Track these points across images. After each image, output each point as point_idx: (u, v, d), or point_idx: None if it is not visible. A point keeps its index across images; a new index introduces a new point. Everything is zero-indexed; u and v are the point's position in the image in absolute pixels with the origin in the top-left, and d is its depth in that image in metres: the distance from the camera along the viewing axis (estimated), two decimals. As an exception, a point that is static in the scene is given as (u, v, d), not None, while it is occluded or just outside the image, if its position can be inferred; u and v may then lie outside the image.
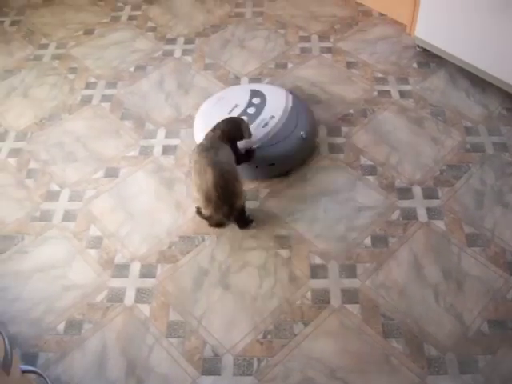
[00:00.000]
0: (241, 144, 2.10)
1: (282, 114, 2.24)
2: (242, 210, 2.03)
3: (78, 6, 3.16)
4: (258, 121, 2.22)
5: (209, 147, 1.97)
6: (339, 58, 2.71)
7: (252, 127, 2.17)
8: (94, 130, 2.44)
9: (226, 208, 1.93)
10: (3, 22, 3.10)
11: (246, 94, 2.34)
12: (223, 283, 1.93)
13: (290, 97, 2.33)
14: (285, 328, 1.82)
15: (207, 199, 1.92)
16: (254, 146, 2.14)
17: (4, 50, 2.91)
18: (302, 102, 2.37)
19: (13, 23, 3.08)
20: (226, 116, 2.16)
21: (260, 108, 2.27)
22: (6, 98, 2.64)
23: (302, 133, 2.20)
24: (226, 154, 1.98)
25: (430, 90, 2.52)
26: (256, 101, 2.30)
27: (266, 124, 2.21)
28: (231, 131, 2.06)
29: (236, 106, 2.29)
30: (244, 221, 2.06)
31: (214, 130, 2.06)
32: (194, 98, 2.54)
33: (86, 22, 3.04)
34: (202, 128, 2.24)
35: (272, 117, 2.23)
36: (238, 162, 2.06)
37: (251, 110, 2.26)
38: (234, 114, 2.23)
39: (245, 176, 2.13)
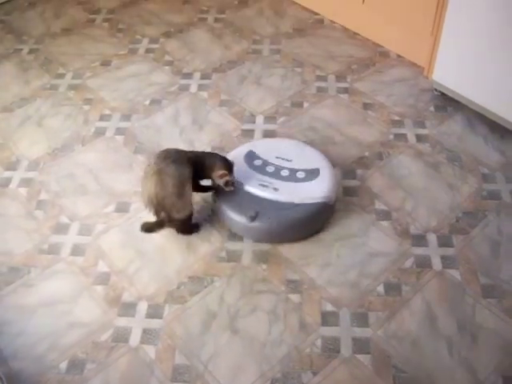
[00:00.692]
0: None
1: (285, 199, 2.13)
2: (184, 221, 2.07)
3: (97, 37, 3.17)
4: (267, 179, 2.17)
5: (167, 157, 2.00)
6: (356, 98, 2.69)
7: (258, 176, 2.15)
8: (106, 162, 2.43)
9: (165, 216, 2.00)
10: (21, 49, 3.11)
11: (309, 163, 2.23)
12: (232, 327, 1.89)
13: (318, 201, 2.15)
14: (293, 377, 1.77)
15: (148, 203, 2.01)
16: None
17: (21, 78, 2.91)
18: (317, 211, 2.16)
19: (31, 51, 3.09)
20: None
21: (287, 178, 2.18)
22: (20, 127, 2.63)
23: (251, 212, 2.08)
24: (179, 171, 1.98)
25: (446, 135, 2.50)
26: (300, 174, 2.18)
27: (263, 186, 2.16)
28: (202, 167, 2.07)
29: (290, 160, 2.23)
30: (185, 229, 2.13)
31: (191, 152, 2.12)
32: (209, 134, 2.52)
33: (103, 53, 3.04)
34: None
35: (275, 189, 2.16)
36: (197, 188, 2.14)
37: (284, 173, 2.19)
38: (277, 162, 2.22)
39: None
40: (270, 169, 2.17)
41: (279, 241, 2.11)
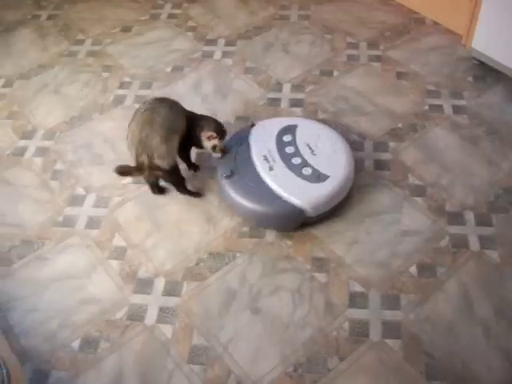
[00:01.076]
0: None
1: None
2: (169, 173, 1.96)
3: (117, 2, 3.04)
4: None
5: (164, 101, 1.96)
6: (388, 67, 2.53)
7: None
8: (123, 132, 2.28)
9: (145, 160, 1.89)
10: (40, 15, 3.01)
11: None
12: (253, 307, 1.78)
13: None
14: (318, 362, 1.65)
15: (130, 143, 1.91)
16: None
17: (39, 45, 2.81)
18: None
19: (49, 17, 2.98)
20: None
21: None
22: (36, 94, 2.53)
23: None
24: (173, 116, 1.93)
25: (485, 107, 2.34)
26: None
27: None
28: (194, 126, 1.99)
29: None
30: (176, 183, 2.04)
31: (188, 110, 2.03)
32: (232, 103, 2.39)
33: (123, 19, 2.92)
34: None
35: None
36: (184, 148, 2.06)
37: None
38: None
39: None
40: (290, 150, 2.02)
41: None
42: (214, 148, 1.99)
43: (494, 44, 2.36)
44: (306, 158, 2.00)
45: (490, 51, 2.40)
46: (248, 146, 2.04)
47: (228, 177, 1.96)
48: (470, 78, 2.46)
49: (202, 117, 2.05)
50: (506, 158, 2.14)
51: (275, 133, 2.07)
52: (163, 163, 1.92)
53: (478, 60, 2.48)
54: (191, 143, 2.05)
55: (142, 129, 1.88)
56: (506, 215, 1.97)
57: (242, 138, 2.07)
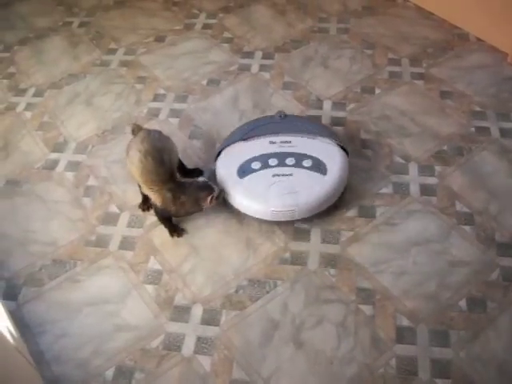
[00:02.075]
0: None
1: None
2: (159, 211, 1.93)
3: (150, 11, 2.97)
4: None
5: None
6: (432, 86, 2.44)
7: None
8: (159, 148, 2.24)
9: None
10: (72, 22, 2.94)
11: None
12: (296, 340, 1.69)
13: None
14: (365, 401, 1.57)
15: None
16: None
17: (70, 53, 2.74)
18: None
19: (81, 25, 2.92)
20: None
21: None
22: (68, 105, 2.46)
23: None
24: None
25: (534, 130, 2.24)
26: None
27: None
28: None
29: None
30: (163, 220, 1.97)
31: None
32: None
33: (157, 28, 2.85)
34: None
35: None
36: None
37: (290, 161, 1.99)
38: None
39: None
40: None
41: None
42: (216, 198, 1.88)
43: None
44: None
45: (538, 71, 2.31)
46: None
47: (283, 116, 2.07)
48: (517, 100, 2.37)
49: (198, 187, 1.89)
50: (558, 186, 2.05)
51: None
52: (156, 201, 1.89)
53: (525, 80, 2.39)
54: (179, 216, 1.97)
55: (133, 141, 1.89)
56: (559, 248, 1.88)
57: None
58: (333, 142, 2.02)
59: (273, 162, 1.96)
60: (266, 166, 1.95)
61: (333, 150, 2.01)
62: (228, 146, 2.04)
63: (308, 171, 1.93)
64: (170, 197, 1.84)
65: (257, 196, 1.90)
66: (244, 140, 2.04)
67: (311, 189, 1.90)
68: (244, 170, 1.95)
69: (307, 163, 1.95)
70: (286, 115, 2.10)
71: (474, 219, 1.96)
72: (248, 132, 2.05)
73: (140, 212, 2.03)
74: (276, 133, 2.04)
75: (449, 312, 1.74)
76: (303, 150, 1.99)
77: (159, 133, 1.91)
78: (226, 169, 1.98)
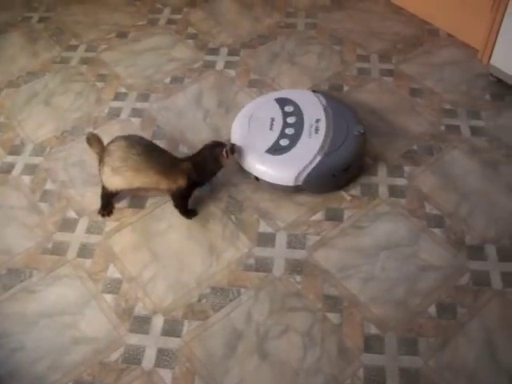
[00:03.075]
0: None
1: (326, 115, 2.05)
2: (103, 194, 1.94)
3: (113, 5, 2.88)
4: (306, 129, 2.01)
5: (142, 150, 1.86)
6: (402, 83, 2.39)
7: (304, 137, 1.99)
8: (120, 149, 2.15)
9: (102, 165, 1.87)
10: (31, 17, 2.83)
11: (274, 105, 2.12)
12: (260, 350, 1.63)
13: (319, 95, 2.13)
14: (332, 415, 1.51)
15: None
16: None
17: (29, 50, 2.64)
18: (330, 97, 2.17)
19: (41, 20, 2.81)
20: (262, 134, 2.03)
21: (299, 114, 2.06)
22: (26, 105, 2.37)
23: (357, 130, 2.01)
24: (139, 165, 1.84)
25: (505, 128, 2.20)
26: (289, 109, 2.08)
27: (316, 129, 1.99)
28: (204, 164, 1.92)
29: (273, 119, 2.06)
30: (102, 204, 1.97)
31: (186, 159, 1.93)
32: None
33: (120, 24, 2.75)
34: (250, 153, 2.00)
35: (318, 120, 2.03)
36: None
37: (291, 120, 2.05)
38: (277, 129, 2.03)
39: (321, 191, 2.00)
40: (290, 130, 2.04)
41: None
42: (232, 151, 1.95)
43: (513, 60, 2.23)
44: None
45: (509, 68, 2.26)
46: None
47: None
48: (488, 97, 2.32)
49: (204, 151, 1.92)
50: (529, 185, 2.01)
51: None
52: (100, 176, 1.89)
53: (496, 76, 2.34)
54: (206, 181, 1.98)
55: (113, 144, 1.86)
56: (530, 250, 1.84)
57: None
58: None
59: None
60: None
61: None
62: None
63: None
64: (190, 167, 1.87)
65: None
66: None
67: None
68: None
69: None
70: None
71: (444, 221, 1.91)
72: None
73: (99, 217, 1.94)
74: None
75: (418, 319, 1.69)
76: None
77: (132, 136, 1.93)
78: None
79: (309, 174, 1.92)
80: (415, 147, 2.13)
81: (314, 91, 2.18)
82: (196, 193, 1.96)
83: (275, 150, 1.97)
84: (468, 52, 2.52)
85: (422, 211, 1.94)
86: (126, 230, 1.92)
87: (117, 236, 1.90)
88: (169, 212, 1.95)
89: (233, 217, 1.94)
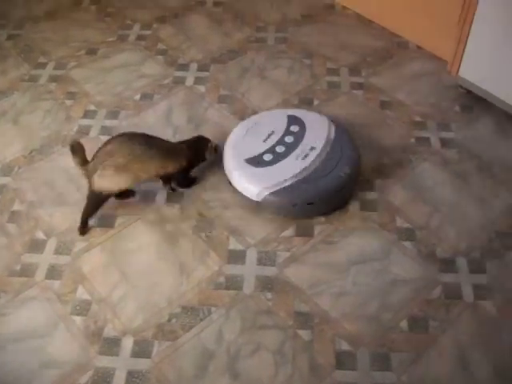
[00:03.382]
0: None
1: (324, 146, 2.00)
2: (89, 194, 1.92)
3: (83, 22, 2.86)
4: (296, 151, 1.98)
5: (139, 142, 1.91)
6: (372, 95, 2.39)
7: (289, 159, 1.95)
8: (89, 168, 2.13)
9: (91, 168, 1.87)
10: (-1, 35, 2.81)
11: (283, 120, 2.11)
12: (232, 370, 1.61)
13: (333, 126, 2.08)
14: None
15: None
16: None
17: (-3, 68, 2.61)
18: (345, 133, 2.09)
19: (9, 37, 2.78)
20: (254, 143, 2.05)
21: (299, 137, 2.04)
22: (-7, 124, 2.34)
23: (343, 172, 1.94)
24: (140, 157, 1.89)
25: (474, 139, 2.21)
26: (294, 128, 2.06)
27: (305, 156, 1.96)
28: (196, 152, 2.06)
29: (272, 132, 2.06)
30: (88, 204, 1.94)
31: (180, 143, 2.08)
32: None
33: (89, 40, 2.74)
34: (233, 157, 2.02)
35: (312, 148, 1.99)
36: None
37: (289, 139, 2.03)
38: (269, 143, 2.03)
39: (281, 214, 1.96)
40: (281, 148, 2.02)
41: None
42: (215, 150, 2.09)
43: (481, 71, 2.24)
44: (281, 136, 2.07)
45: (477, 79, 2.27)
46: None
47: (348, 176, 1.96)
48: (457, 108, 2.33)
49: (198, 139, 2.10)
50: (498, 196, 2.02)
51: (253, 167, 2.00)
52: (97, 184, 1.86)
53: (465, 88, 2.35)
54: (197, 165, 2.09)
55: (109, 145, 1.87)
56: (500, 261, 1.84)
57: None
58: None
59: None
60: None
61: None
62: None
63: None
64: (186, 148, 2.02)
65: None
66: None
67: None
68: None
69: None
70: None
71: (415, 234, 1.91)
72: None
73: (68, 238, 1.92)
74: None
75: (390, 334, 1.68)
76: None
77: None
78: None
79: (270, 194, 1.90)
80: (385, 160, 2.13)
81: (335, 123, 2.12)
82: (166, 211, 1.94)
83: (257, 161, 1.97)
84: (437, 64, 2.53)
85: (393, 225, 1.94)
86: (95, 250, 1.89)
87: (86, 256, 1.88)
88: (138, 231, 1.93)
89: (203, 234, 1.92)
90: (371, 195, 2.02)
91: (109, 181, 1.86)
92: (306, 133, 2.05)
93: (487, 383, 1.57)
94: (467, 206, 1.99)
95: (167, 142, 2.00)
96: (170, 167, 1.96)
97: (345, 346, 1.65)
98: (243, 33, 2.75)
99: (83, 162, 1.87)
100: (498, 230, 1.92)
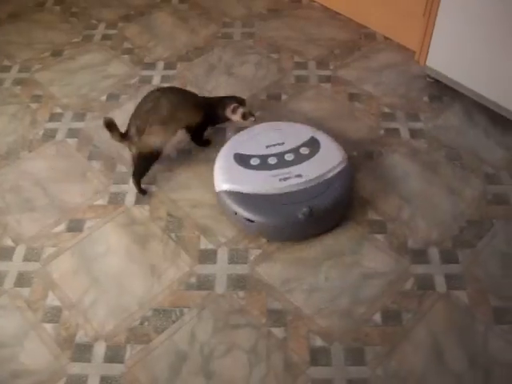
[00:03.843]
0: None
1: (311, 180, 1.88)
2: (139, 155, 1.97)
3: (47, 23, 2.81)
4: (281, 170, 1.91)
5: (171, 93, 2.02)
6: (340, 88, 2.39)
7: (269, 173, 1.90)
8: (56, 171, 2.10)
9: (135, 129, 1.94)
10: (-40, 39, 2.75)
11: (302, 138, 2.02)
12: (205, 371, 1.60)
13: (341, 166, 1.94)
14: (279, 433, 1.49)
15: (131, 115, 1.99)
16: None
17: (-40, 73, 2.56)
18: (348, 179, 1.94)
19: (-28, 41, 2.74)
20: (257, 144, 2.01)
21: (297, 160, 1.94)
22: (-42, 130, 2.29)
23: (302, 212, 1.80)
24: (176, 107, 1.98)
25: (443, 129, 2.21)
26: (304, 151, 1.96)
27: (285, 179, 1.88)
28: (213, 109, 2.11)
29: (282, 143, 2.00)
30: (137, 169, 2.01)
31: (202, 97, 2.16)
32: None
33: (54, 42, 2.69)
34: (228, 148, 2.03)
35: (298, 176, 1.89)
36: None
37: (289, 157, 1.95)
38: (269, 152, 1.97)
39: (229, 216, 1.92)
40: (273, 160, 1.94)
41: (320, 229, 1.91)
42: (243, 116, 2.07)
43: (448, 60, 2.24)
44: (287, 148, 1.99)
45: (444, 68, 2.27)
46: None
47: (308, 213, 1.81)
48: (426, 98, 2.33)
49: (220, 98, 2.14)
50: (468, 186, 2.02)
51: (244, 169, 1.95)
52: (148, 142, 1.93)
53: (433, 78, 2.35)
54: (214, 123, 2.16)
55: (146, 104, 1.95)
56: (471, 250, 1.85)
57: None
58: None
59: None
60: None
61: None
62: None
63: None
64: (204, 104, 2.09)
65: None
66: None
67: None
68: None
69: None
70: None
71: (386, 227, 1.91)
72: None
73: (37, 244, 1.89)
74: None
75: (364, 327, 1.68)
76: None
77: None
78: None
79: (225, 192, 1.89)
80: (355, 153, 2.13)
81: (347, 163, 1.97)
82: (136, 212, 1.92)
83: (242, 160, 1.94)
84: (405, 54, 2.53)
85: (363, 218, 1.93)
86: (65, 256, 1.87)
87: (55, 262, 1.85)
88: (107, 234, 1.91)
89: (173, 235, 1.90)
90: (341, 189, 2.00)
91: (158, 135, 1.94)
92: (309, 160, 1.94)
93: (462, 373, 1.57)
94: (438, 196, 1.99)
95: (192, 92, 2.11)
96: (197, 118, 2.05)
97: (319, 342, 1.65)
98: (209, 29, 2.73)
99: (121, 134, 1.92)
100: (469, 219, 1.92)
